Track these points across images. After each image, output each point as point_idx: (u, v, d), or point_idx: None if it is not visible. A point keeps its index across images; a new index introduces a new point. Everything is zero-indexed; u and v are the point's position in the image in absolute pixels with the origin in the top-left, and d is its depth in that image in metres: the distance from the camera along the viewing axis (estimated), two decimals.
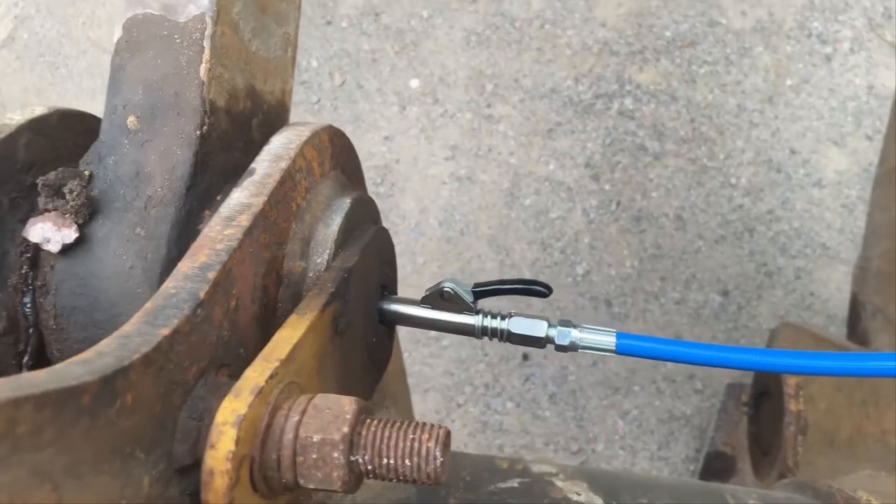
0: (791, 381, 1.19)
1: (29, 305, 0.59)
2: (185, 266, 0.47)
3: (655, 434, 1.54)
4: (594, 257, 1.63)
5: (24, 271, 0.59)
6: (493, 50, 1.76)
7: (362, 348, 0.60)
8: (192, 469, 0.43)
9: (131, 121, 0.60)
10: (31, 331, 0.60)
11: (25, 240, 0.59)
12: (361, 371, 0.61)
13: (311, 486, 0.43)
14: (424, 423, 0.45)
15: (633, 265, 1.61)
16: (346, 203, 0.62)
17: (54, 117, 0.64)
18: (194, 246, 0.49)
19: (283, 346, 0.47)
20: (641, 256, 1.61)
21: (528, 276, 1.60)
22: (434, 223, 1.65)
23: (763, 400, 1.33)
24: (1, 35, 1.88)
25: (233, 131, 0.64)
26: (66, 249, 0.57)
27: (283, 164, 0.56)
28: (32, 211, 0.61)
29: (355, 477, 0.44)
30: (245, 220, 0.51)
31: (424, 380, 1.58)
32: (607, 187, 1.65)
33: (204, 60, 0.60)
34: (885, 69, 1.64)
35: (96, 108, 1.81)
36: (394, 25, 1.78)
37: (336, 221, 0.60)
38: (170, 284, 0.46)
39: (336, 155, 0.64)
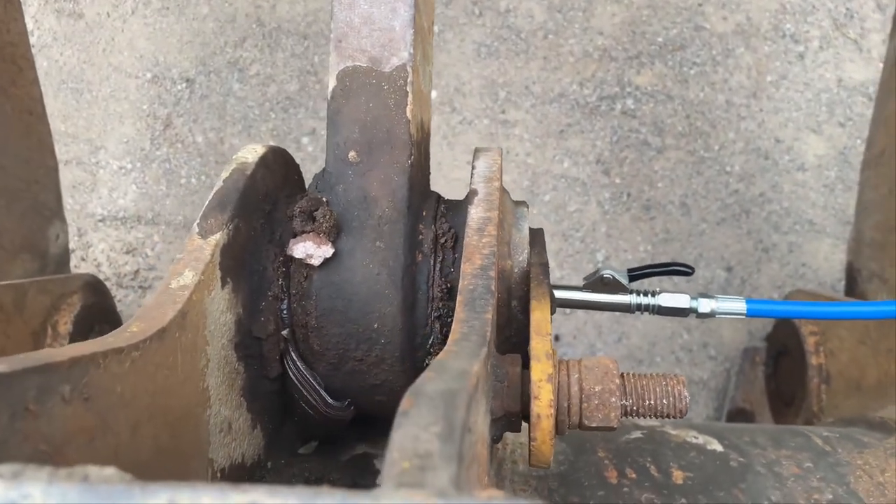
0: (811, 340, 1.38)
1: (285, 311, 0.72)
2: (468, 268, 0.61)
3: None
4: (611, 244, 1.80)
5: (280, 283, 0.72)
6: (503, 60, 1.91)
7: None
8: (499, 420, 0.58)
9: (352, 155, 0.73)
10: (285, 332, 0.72)
11: (280, 257, 0.72)
12: None
13: (593, 426, 0.58)
14: (666, 374, 0.60)
15: (646, 249, 1.79)
16: (524, 210, 0.77)
17: (270, 153, 0.77)
18: (465, 253, 0.63)
19: (544, 323, 0.61)
20: (653, 241, 1.80)
21: (552, 265, 1.76)
22: None
23: (781, 359, 1.52)
24: None
25: (421, 158, 0.78)
26: (324, 263, 0.70)
27: (495, 184, 0.71)
28: (274, 233, 0.74)
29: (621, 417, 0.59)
30: (492, 230, 0.65)
31: None
32: (618, 180, 1.83)
33: (409, 103, 0.74)
34: (850, 63, 1.86)
35: (124, 130, 1.90)
36: None
37: (524, 227, 0.75)
38: (465, 283, 0.60)
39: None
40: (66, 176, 1.78)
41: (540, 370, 0.55)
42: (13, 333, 1.33)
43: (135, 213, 1.87)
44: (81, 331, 1.48)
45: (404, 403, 0.33)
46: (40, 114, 1.50)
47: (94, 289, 1.54)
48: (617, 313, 1.33)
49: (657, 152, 1.84)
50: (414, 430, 0.30)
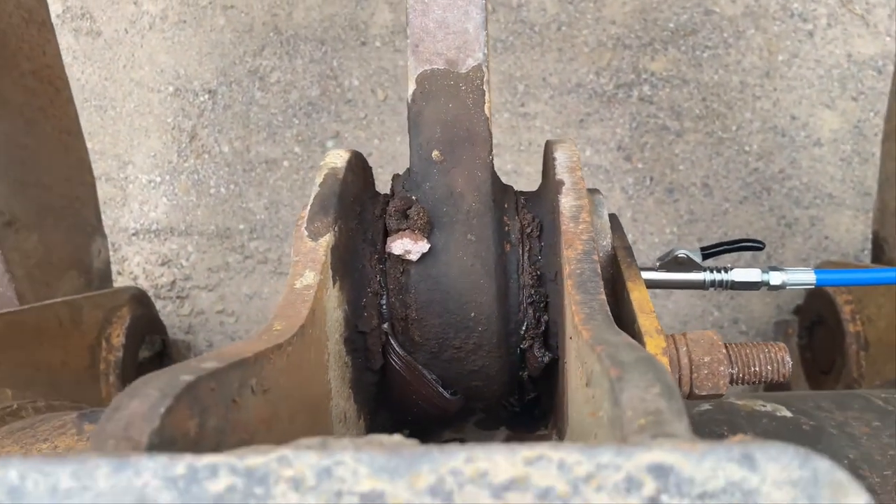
0: (847, 309, 1.42)
1: (384, 305, 0.75)
2: (571, 254, 0.65)
3: None
4: (637, 228, 1.84)
5: (378, 279, 0.75)
6: (519, 54, 1.95)
7: None
8: None
9: (435, 154, 0.77)
10: (385, 325, 0.76)
11: (375, 255, 0.75)
12: None
13: (703, 394, 0.62)
14: (766, 342, 0.64)
15: (672, 231, 1.84)
16: (601, 197, 0.80)
17: (354, 158, 0.80)
18: (564, 241, 0.66)
19: (645, 302, 0.65)
20: (678, 223, 1.84)
21: None
22: None
23: (816, 329, 1.57)
24: None
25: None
26: (420, 258, 0.73)
27: (578, 173, 0.74)
28: (366, 233, 0.77)
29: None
30: (586, 216, 0.69)
31: None
32: (640, 166, 1.87)
33: (486, 101, 0.77)
34: (858, 38, 1.91)
35: (151, 144, 1.94)
36: None
37: (605, 213, 0.79)
38: (571, 267, 0.63)
39: None
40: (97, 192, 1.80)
41: (654, 345, 0.59)
42: (72, 348, 1.36)
43: (167, 224, 1.89)
44: (133, 342, 1.51)
45: (612, 371, 0.36)
46: (77, 132, 1.53)
47: (141, 301, 1.57)
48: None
49: (676, 136, 1.88)
50: (638, 393, 0.33)
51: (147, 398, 0.35)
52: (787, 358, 0.61)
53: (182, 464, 0.28)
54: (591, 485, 0.28)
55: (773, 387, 1.69)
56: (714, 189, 1.85)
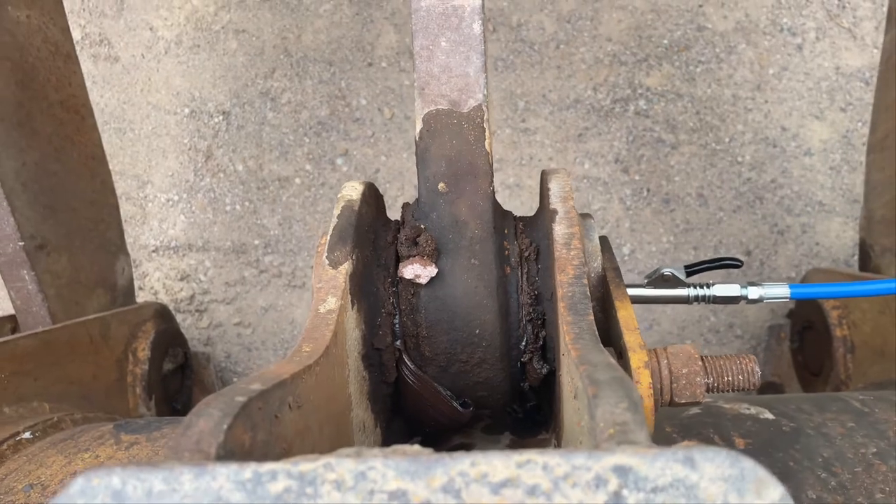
0: (834, 314, 1.50)
1: (397, 324, 0.83)
2: (563, 278, 0.73)
3: None
4: (636, 238, 1.92)
5: (391, 301, 0.83)
6: (519, 72, 2.03)
7: None
8: None
9: (441, 186, 0.85)
10: (398, 343, 0.84)
11: (388, 279, 0.83)
12: None
13: (682, 402, 0.70)
14: (738, 355, 0.71)
15: (669, 240, 1.91)
16: (591, 222, 0.88)
17: (367, 189, 0.88)
18: (557, 266, 0.74)
19: (631, 320, 0.73)
20: (675, 232, 1.91)
21: None
22: None
23: (806, 334, 1.64)
24: None
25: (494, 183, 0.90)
26: (429, 281, 0.81)
27: (571, 202, 0.82)
28: (380, 259, 0.85)
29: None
30: (577, 243, 0.77)
31: None
32: (637, 177, 1.95)
33: (486, 137, 0.85)
34: (846, 51, 1.98)
35: (168, 164, 2.02)
36: None
37: (595, 237, 0.86)
38: (564, 290, 0.71)
39: None
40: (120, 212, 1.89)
41: (637, 359, 0.67)
42: (102, 361, 1.45)
43: (185, 241, 1.98)
44: (157, 355, 1.60)
45: (589, 390, 0.44)
46: (101, 157, 1.61)
47: (163, 316, 1.66)
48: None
49: (672, 148, 1.95)
50: (609, 408, 0.41)
51: (211, 417, 0.43)
52: (757, 369, 0.69)
53: (249, 470, 0.36)
54: (569, 482, 0.36)
55: (767, 389, 1.77)
56: (709, 199, 1.93)
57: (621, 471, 0.36)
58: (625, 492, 0.36)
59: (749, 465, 0.36)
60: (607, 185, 1.95)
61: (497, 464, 0.36)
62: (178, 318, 1.88)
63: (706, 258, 0.92)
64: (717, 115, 1.97)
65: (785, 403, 1.05)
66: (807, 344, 1.64)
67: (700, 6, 2.02)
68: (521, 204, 1.95)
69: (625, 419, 0.40)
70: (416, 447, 0.38)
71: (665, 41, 2.02)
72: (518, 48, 2.04)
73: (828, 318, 1.50)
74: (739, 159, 1.94)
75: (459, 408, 0.83)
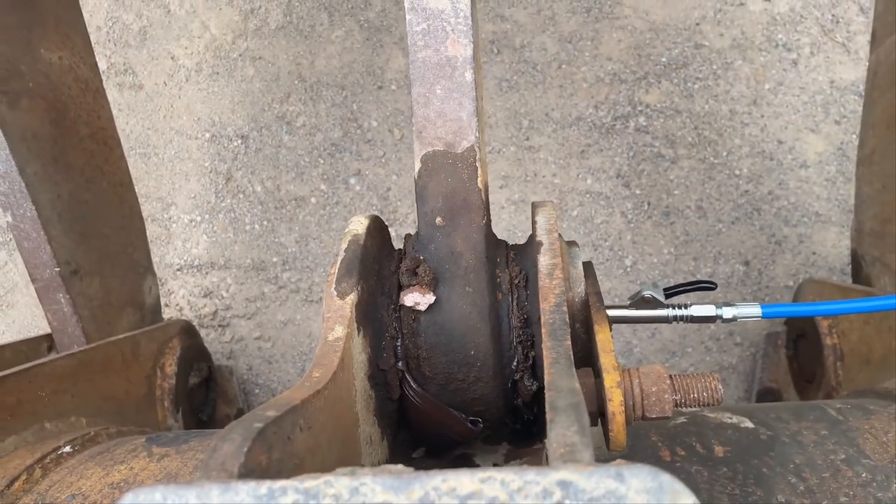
0: (824, 323, 1.57)
1: (399, 347, 0.92)
2: (545, 306, 0.81)
3: None
4: (637, 250, 2.00)
5: (394, 326, 0.92)
6: (523, 91, 2.11)
7: None
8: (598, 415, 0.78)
9: (438, 220, 0.94)
10: (400, 364, 0.93)
11: (391, 306, 0.92)
12: None
13: (653, 417, 0.78)
14: (704, 373, 0.79)
15: (669, 252, 1.99)
16: (576, 250, 0.96)
17: (372, 223, 0.97)
18: (540, 295, 0.83)
19: (607, 343, 0.81)
20: (675, 244, 1.99)
21: None
22: None
23: (800, 341, 1.71)
24: None
25: (489, 215, 0.98)
26: (428, 308, 0.90)
27: (554, 235, 0.91)
28: (384, 287, 0.94)
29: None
30: (559, 273, 0.85)
31: None
32: (638, 191, 2.02)
33: (479, 175, 0.94)
34: (840, 65, 2.05)
35: (191, 187, 2.13)
36: None
37: (579, 263, 0.95)
38: (545, 318, 0.79)
39: None
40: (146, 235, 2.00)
41: (611, 379, 0.75)
42: (133, 377, 1.55)
43: (208, 260, 2.08)
44: (183, 369, 1.70)
45: (549, 415, 0.53)
46: (128, 183, 1.72)
47: (188, 332, 1.76)
48: None
49: (671, 163, 2.03)
50: (561, 431, 0.50)
51: (234, 442, 0.52)
52: (719, 386, 0.77)
53: (265, 486, 0.45)
54: (522, 494, 0.44)
55: (766, 395, 1.84)
56: (708, 211, 2.00)
57: (564, 484, 0.44)
58: (567, 502, 0.44)
59: (667, 478, 0.44)
60: (609, 200, 2.03)
61: (464, 480, 0.45)
62: (202, 332, 1.98)
63: (687, 281, 1.00)
64: (715, 130, 2.04)
65: (765, 412, 1.12)
66: (801, 351, 1.70)
67: (697, 24, 2.10)
68: (525, 219, 2.03)
69: (573, 441, 0.49)
70: (401, 466, 0.47)
71: (663, 59, 2.09)
72: (521, 69, 2.12)
73: (819, 327, 1.57)
74: (737, 172, 2.01)
75: (470, 425, 0.92)
